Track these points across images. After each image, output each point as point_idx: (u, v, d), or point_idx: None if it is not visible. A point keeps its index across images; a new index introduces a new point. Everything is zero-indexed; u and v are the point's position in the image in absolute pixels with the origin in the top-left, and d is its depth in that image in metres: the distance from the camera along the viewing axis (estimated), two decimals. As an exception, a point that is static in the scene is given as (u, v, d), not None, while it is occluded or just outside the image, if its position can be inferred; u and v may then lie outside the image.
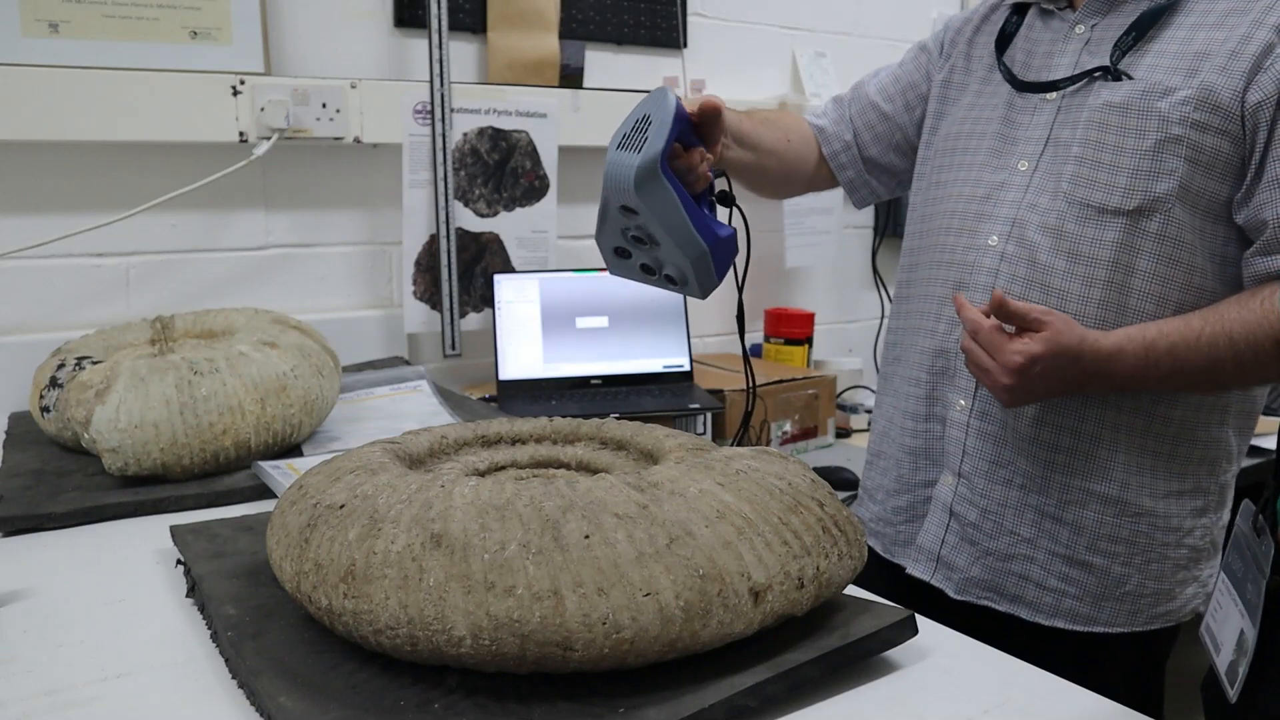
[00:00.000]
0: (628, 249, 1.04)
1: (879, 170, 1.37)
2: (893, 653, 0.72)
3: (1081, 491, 1.10)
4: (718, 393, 1.81)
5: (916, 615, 0.73)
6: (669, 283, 1.03)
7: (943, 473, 1.18)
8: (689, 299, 1.93)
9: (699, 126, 1.03)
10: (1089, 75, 1.10)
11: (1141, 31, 1.08)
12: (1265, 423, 1.83)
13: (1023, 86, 1.16)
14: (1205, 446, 1.11)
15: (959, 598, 1.16)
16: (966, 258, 1.16)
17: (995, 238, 1.13)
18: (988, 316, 1.06)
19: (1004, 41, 1.22)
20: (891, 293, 2.02)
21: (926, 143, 1.30)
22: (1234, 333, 1.00)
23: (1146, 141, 1.04)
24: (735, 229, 1.04)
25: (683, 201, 0.96)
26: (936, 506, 1.19)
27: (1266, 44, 1.00)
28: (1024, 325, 1.03)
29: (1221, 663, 0.79)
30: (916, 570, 1.20)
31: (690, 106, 1.01)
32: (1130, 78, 1.06)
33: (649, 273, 1.04)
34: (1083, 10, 1.14)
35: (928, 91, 1.31)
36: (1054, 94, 1.13)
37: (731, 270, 1.07)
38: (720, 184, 1.09)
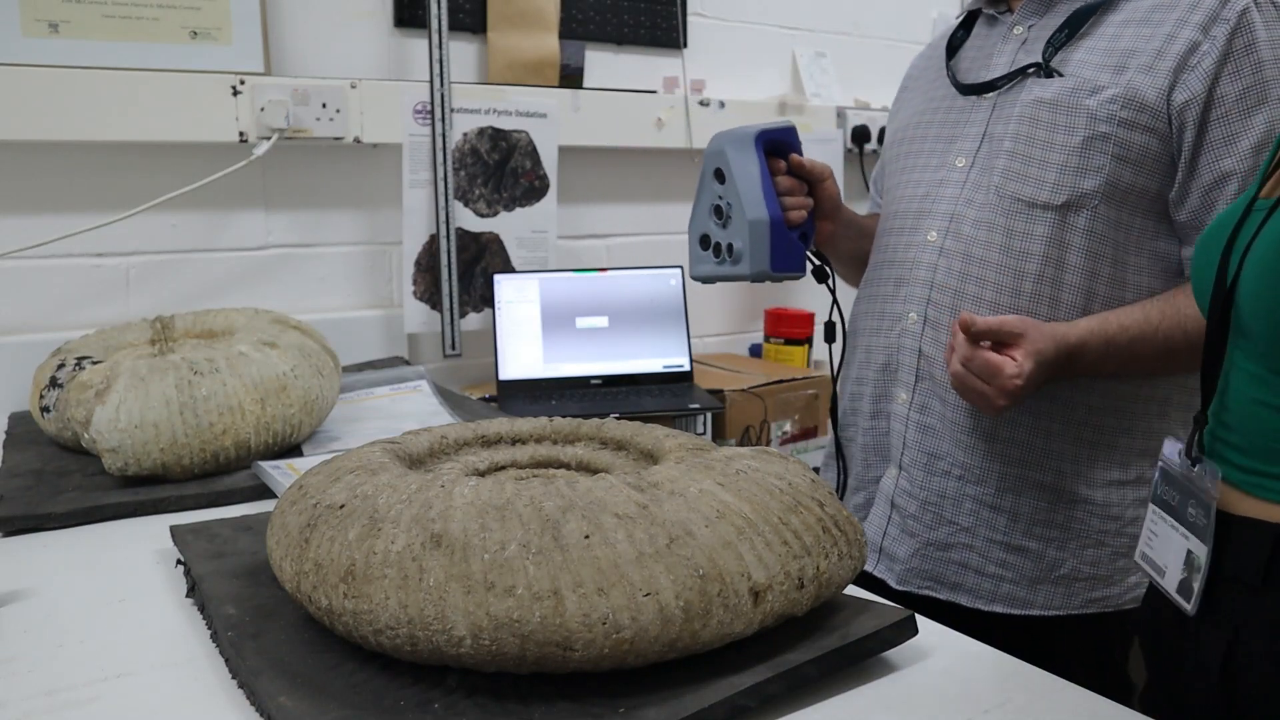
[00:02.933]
0: (710, 234, 1.18)
1: None
2: (892, 653, 0.72)
3: (1018, 480, 1.12)
4: (718, 393, 1.81)
5: (916, 615, 0.73)
6: (730, 260, 1.16)
7: (888, 466, 1.21)
8: (689, 303, 1.93)
9: (812, 186, 1.20)
10: (1022, 72, 1.13)
11: (1074, 29, 1.11)
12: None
13: (964, 90, 1.19)
14: (1145, 437, 1.12)
15: (900, 588, 1.18)
16: (907, 254, 1.19)
17: (934, 233, 1.16)
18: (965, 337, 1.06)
19: (952, 51, 1.26)
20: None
21: (884, 148, 1.35)
22: (1188, 326, 1.03)
23: (1075, 138, 1.06)
24: (809, 260, 1.21)
25: (763, 177, 1.13)
26: (880, 498, 1.21)
27: (1191, 42, 1.02)
28: (999, 340, 1.04)
29: (1170, 582, 0.83)
30: (868, 564, 1.22)
31: (814, 163, 1.20)
32: (1060, 74, 1.09)
33: (719, 257, 1.17)
34: (1020, 12, 1.17)
35: None
36: (991, 94, 1.16)
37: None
38: (815, 232, 1.24)
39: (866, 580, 1.19)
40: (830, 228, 1.25)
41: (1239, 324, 0.79)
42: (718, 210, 1.16)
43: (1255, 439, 0.78)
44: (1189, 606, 0.81)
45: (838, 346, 1.29)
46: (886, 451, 1.21)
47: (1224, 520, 0.79)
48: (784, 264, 1.15)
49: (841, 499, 1.30)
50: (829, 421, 1.33)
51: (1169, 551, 0.84)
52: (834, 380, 1.30)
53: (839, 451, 1.31)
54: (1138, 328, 1.05)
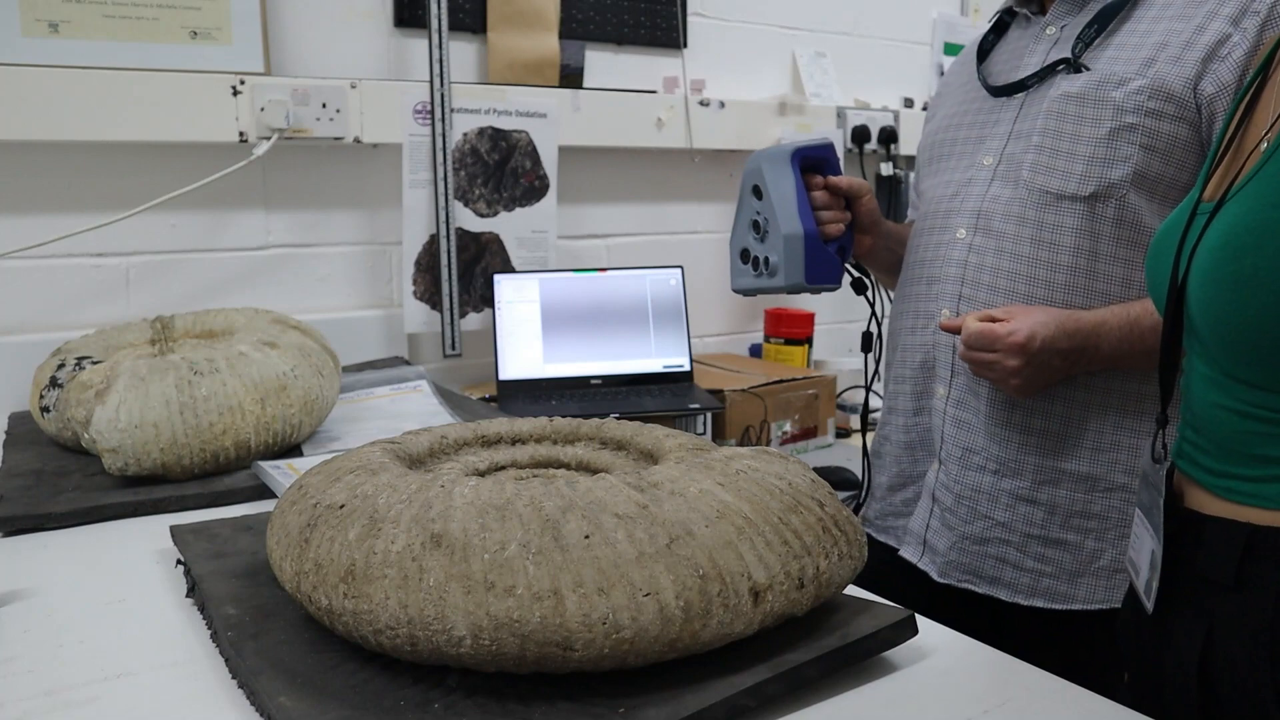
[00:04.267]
0: (749, 248, 1.22)
1: None
2: (893, 653, 0.72)
3: (1054, 471, 1.12)
4: (718, 393, 1.81)
5: (916, 615, 0.73)
6: (768, 273, 1.20)
7: (931, 460, 1.22)
8: (689, 303, 1.93)
9: (850, 202, 1.22)
10: (1052, 69, 1.13)
11: (1104, 24, 1.11)
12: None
13: (995, 91, 1.20)
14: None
15: (941, 580, 1.18)
16: (938, 253, 1.20)
17: (963, 230, 1.17)
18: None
19: (983, 55, 1.27)
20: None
21: (917, 156, 1.36)
22: None
23: (1101, 129, 1.07)
24: (849, 272, 1.25)
25: (799, 193, 1.17)
26: (924, 492, 1.22)
27: (1221, 34, 1.03)
28: (991, 319, 1.08)
29: (1140, 583, 0.85)
30: (907, 552, 1.23)
31: (853, 180, 1.23)
32: (1089, 69, 1.09)
33: (757, 270, 1.21)
34: (1053, 12, 1.18)
35: None
36: (1020, 93, 1.17)
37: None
38: (853, 248, 1.27)
39: (910, 572, 1.21)
40: (870, 241, 1.27)
41: (1191, 328, 0.79)
42: (755, 225, 1.21)
43: (1219, 441, 0.78)
44: (1149, 605, 0.82)
45: (873, 356, 1.31)
46: (930, 446, 1.22)
47: (1196, 520, 0.80)
48: (818, 276, 1.18)
49: (864, 499, 1.30)
50: (861, 428, 1.35)
51: (1142, 553, 0.85)
52: (866, 389, 1.32)
53: (865, 458, 1.32)
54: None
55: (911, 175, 1.49)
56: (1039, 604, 1.13)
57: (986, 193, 1.15)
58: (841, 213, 1.21)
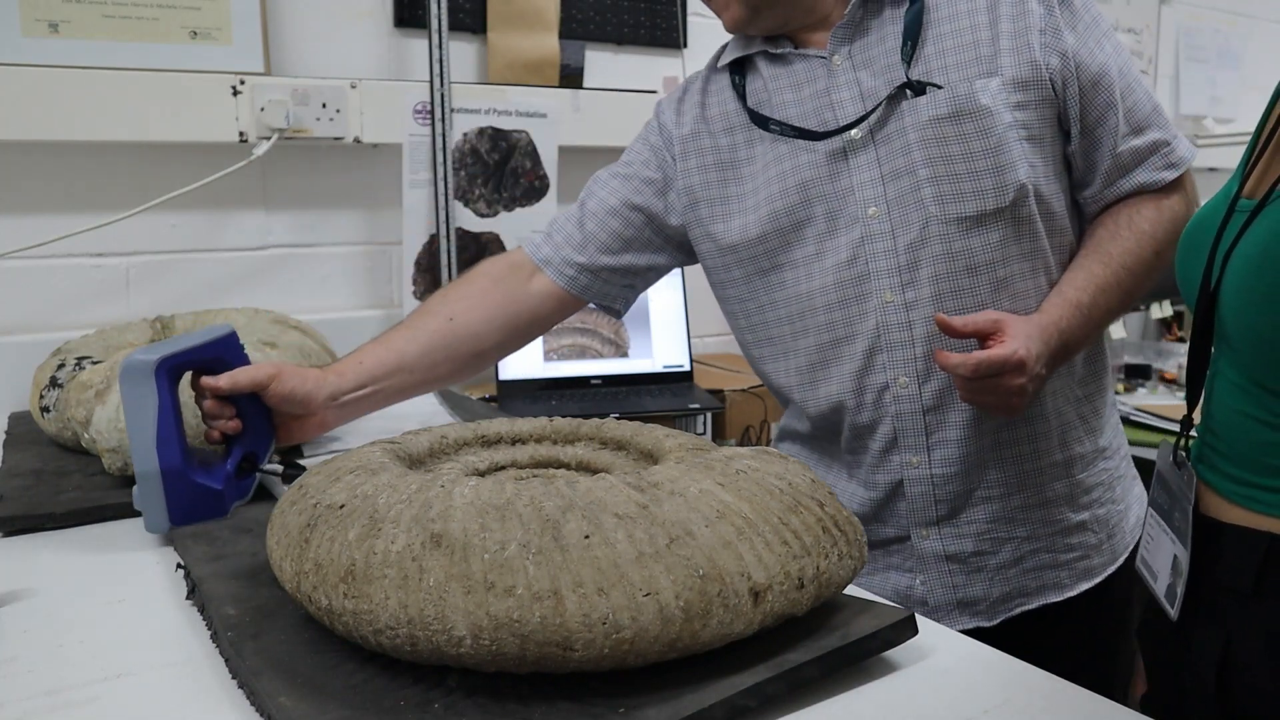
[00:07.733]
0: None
1: (624, 274, 1.24)
2: (893, 653, 0.72)
3: (1036, 472, 1.12)
4: (718, 393, 1.81)
5: (916, 615, 0.73)
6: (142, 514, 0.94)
7: (918, 528, 1.13)
8: (689, 303, 1.93)
9: (247, 403, 0.98)
10: (889, 99, 1.06)
11: (914, 38, 1.06)
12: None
13: (820, 136, 1.09)
14: (1097, 359, 1.19)
15: (994, 624, 1.13)
16: (865, 324, 1.09)
17: (889, 293, 1.07)
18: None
19: (753, 108, 1.14)
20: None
21: (714, 239, 1.17)
22: (1128, 264, 1.07)
23: (991, 139, 1.03)
24: (239, 498, 0.98)
25: (161, 415, 0.90)
26: (929, 562, 1.13)
27: (1035, 12, 1.04)
28: (982, 334, 1.00)
29: (1160, 588, 0.84)
30: (952, 624, 1.12)
31: (237, 379, 0.96)
32: (938, 86, 1.04)
33: (139, 510, 0.94)
34: (833, 41, 1.09)
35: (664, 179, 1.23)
36: (857, 131, 1.07)
37: None
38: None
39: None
40: (326, 416, 1.06)
41: (1222, 332, 0.78)
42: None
43: (1241, 449, 0.77)
44: (1173, 612, 0.81)
45: None
46: (906, 517, 1.13)
47: (1216, 527, 0.79)
48: (188, 515, 0.93)
49: None
50: None
51: (1159, 557, 0.85)
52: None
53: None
54: (1094, 285, 1.06)
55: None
56: (1084, 587, 1.14)
57: (895, 245, 1.06)
58: (229, 422, 0.97)
